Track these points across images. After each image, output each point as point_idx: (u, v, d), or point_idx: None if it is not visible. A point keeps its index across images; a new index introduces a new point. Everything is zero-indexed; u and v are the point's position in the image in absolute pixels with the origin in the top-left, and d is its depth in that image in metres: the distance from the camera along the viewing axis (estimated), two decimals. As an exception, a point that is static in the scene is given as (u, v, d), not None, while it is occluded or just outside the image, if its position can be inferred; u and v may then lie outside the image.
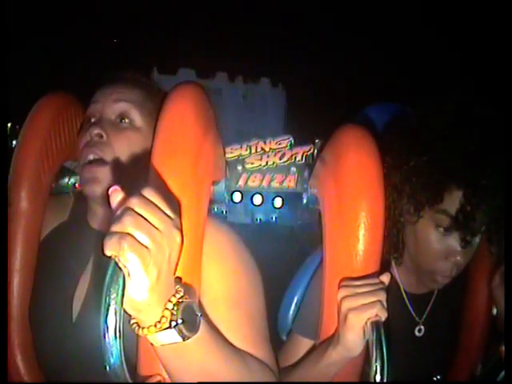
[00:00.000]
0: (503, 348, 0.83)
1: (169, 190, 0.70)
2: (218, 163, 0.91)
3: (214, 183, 0.91)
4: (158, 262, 0.52)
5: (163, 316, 0.54)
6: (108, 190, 0.84)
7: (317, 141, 1.06)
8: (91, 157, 0.86)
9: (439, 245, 0.89)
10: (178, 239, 0.55)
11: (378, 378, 0.71)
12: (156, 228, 0.52)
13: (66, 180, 1.05)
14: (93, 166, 0.85)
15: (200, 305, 0.75)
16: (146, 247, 0.51)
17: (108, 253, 0.50)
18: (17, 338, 0.87)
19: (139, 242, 0.50)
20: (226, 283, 0.80)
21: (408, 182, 0.90)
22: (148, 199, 0.53)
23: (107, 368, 0.53)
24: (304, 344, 0.96)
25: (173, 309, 0.55)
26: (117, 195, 0.54)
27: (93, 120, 0.89)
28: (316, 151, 1.06)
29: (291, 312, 1.13)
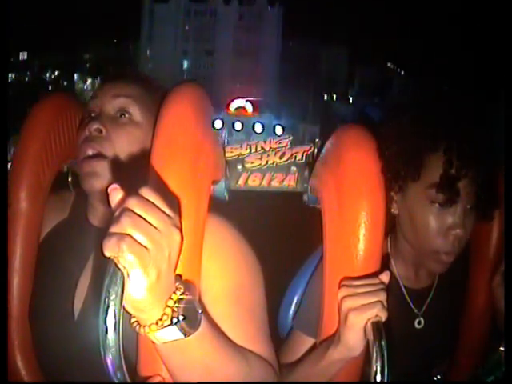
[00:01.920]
0: (503, 348, 0.84)
1: (168, 190, 0.70)
2: (218, 163, 0.91)
3: (214, 183, 0.91)
4: (158, 262, 0.52)
5: (164, 313, 0.54)
6: (107, 186, 0.84)
7: (317, 140, 1.06)
8: (90, 152, 0.85)
9: (437, 220, 0.89)
10: (178, 238, 0.55)
11: (378, 379, 0.71)
12: (155, 228, 0.52)
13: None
14: (92, 161, 0.85)
15: (201, 302, 0.75)
16: (146, 247, 0.51)
17: (107, 254, 0.49)
18: (17, 338, 0.87)
19: (138, 243, 0.50)
20: (227, 280, 0.80)
21: (383, 157, 0.91)
22: (146, 199, 0.53)
23: (106, 367, 0.53)
24: (304, 341, 0.96)
25: (174, 306, 0.55)
26: (116, 194, 0.54)
27: (92, 115, 0.89)
28: (316, 150, 1.06)
29: (291, 311, 1.14)
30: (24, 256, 0.90)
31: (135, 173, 0.87)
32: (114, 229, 0.50)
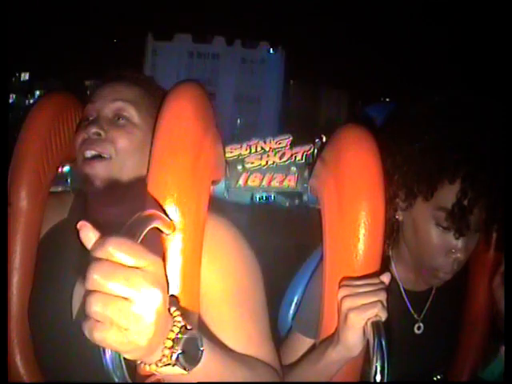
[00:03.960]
0: (503, 348, 0.84)
1: (168, 190, 0.70)
2: (218, 163, 0.91)
3: (214, 183, 0.91)
4: (143, 332, 0.48)
5: (164, 355, 0.52)
6: (108, 187, 0.84)
7: (317, 140, 1.06)
8: (89, 153, 0.86)
9: (439, 242, 0.89)
10: (157, 294, 0.49)
11: (378, 379, 0.71)
12: (125, 299, 0.47)
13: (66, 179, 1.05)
14: (92, 162, 0.85)
15: (201, 304, 0.75)
16: (122, 326, 0.47)
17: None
18: (16, 337, 0.87)
19: (113, 324, 0.46)
20: (228, 282, 0.80)
21: (399, 171, 0.90)
22: (111, 261, 0.48)
23: (106, 367, 0.53)
24: (304, 343, 0.96)
25: (172, 347, 0.52)
26: (86, 231, 0.51)
27: (90, 119, 0.89)
28: (316, 151, 1.06)
29: (291, 311, 1.13)
30: (24, 255, 0.90)
31: (135, 173, 0.87)
32: (87, 308, 0.47)
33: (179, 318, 0.54)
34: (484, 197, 0.84)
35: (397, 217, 0.95)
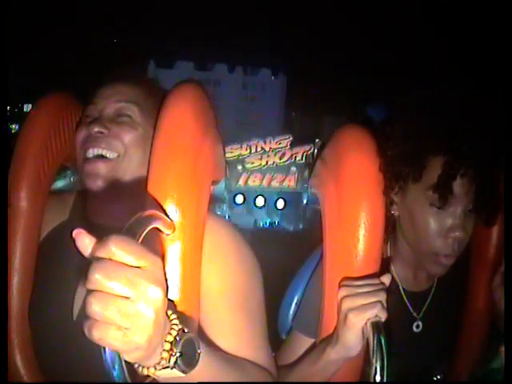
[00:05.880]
0: (503, 348, 0.84)
1: (168, 190, 0.71)
2: (218, 163, 0.91)
3: (214, 183, 0.91)
4: (143, 332, 0.48)
5: (162, 358, 0.53)
6: (110, 184, 0.84)
7: (317, 140, 1.06)
8: (93, 152, 0.86)
9: (436, 222, 0.89)
10: (157, 293, 0.50)
11: (377, 379, 0.71)
12: (126, 298, 0.47)
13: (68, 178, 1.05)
14: (95, 160, 0.85)
15: (200, 305, 0.75)
16: (125, 327, 0.48)
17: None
18: (16, 338, 0.87)
19: (112, 323, 0.47)
20: (227, 283, 0.80)
21: (386, 158, 0.90)
22: (113, 261, 0.48)
23: (106, 367, 0.53)
24: (304, 342, 0.96)
25: (171, 349, 0.53)
26: (82, 238, 0.52)
27: (92, 117, 0.90)
28: (316, 151, 1.06)
29: (291, 311, 1.14)
30: (24, 256, 0.90)
31: (137, 172, 0.87)
32: (87, 307, 0.47)
33: (176, 321, 0.55)
34: (468, 166, 0.85)
35: (392, 212, 0.95)
